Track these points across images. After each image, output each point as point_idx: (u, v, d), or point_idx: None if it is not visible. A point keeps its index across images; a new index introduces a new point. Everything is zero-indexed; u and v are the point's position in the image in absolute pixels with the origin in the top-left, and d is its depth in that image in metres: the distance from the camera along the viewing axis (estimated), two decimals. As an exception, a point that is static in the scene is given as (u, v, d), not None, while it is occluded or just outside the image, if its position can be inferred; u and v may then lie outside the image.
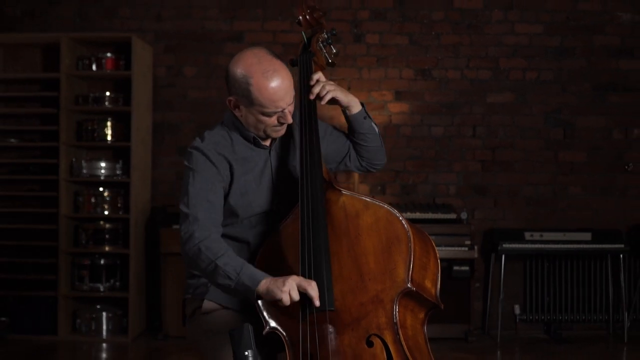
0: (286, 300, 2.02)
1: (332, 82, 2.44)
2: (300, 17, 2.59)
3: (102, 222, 5.55)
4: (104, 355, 5.21)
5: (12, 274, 5.58)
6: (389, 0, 5.87)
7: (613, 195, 5.86)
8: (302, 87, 2.45)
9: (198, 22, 5.90)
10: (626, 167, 5.82)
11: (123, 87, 5.62)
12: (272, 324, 2.12)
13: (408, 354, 2.05)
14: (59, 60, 5.50)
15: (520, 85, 5.86)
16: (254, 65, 2.22)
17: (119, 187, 5.63)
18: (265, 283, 2.07)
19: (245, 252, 2.33)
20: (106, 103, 5.58)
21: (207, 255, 2.16)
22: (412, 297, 2.14)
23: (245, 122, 2.34)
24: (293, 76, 2.30)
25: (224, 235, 2.29)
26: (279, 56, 2.30)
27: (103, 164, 5.57)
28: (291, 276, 2.06)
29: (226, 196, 2.33)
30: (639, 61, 5.86)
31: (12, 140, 5.76)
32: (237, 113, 2.34)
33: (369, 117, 2.53)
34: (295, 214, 2.26)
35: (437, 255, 2.27)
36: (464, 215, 5.45)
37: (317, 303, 2.04)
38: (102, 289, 5.46)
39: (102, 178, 5.55)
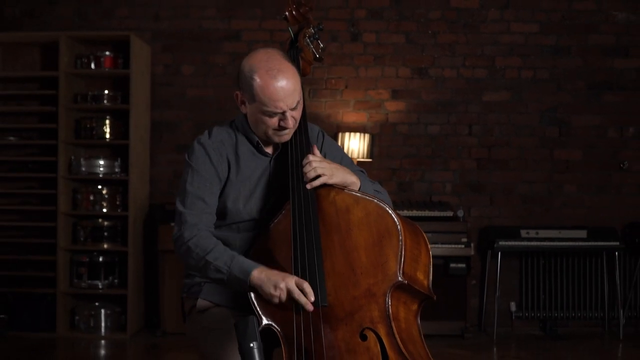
0: (276, 301, 2.08)
1: (326, 162, 2.33)
2: (287, 13, 2.55)
3: (100, 220, 5.57)
4: (102, 352, 5.23)
5: (11, 271, 5.61)
6: (386, -1, 5.92)
7: (608, 193, 5.89)
8: None
9: (196, 21, 5.93)
10: (621, 165, 5.85)
11: (121, 86, 5.64)
12: (267, 320, 2.14)
13: (401, 346, 2.07)
14: (58, 58, 5.53)
15: (516, 83, 5.89)
16: (261, 62, 2.23)
17: (118, 184, 5.65)
18: (258, 276, 2.11)
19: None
20: (105, 101, 5.60)
21: (197, 252, 2.20)
22: (404, 289, 2.16)
23: (249, 121, 2.35)
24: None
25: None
26: (292, 60, 2.31)
27: (101, 162, 5.59)
28: (284, 279, 2.08)
29: (219, 195, 2.35)
30: (633, 60, 5.89)
31: (11, 138, 5.79)
32: (243, 110, 2.35)
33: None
34: (286, 210, 2.27)
35: (429, 246, 2.28)
36: (460, 213, 5.48)
37: (310, 309, 2.07)
38: (100, 286, 5.48)
39: (100, 176, 5.58)
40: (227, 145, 2.38)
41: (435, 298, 2.24)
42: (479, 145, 5.90)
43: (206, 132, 2.40)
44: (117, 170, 5.62)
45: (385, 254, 2.15)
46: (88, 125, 5.62)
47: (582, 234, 5.58)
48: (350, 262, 2.16)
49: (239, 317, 2.05)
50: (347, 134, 5.62)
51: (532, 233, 5.57)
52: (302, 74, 2.51)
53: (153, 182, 5.91)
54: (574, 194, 5.89)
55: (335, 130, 5.76)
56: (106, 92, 5.61)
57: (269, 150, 2.41)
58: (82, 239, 5.55)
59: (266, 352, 2.28)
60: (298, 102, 2.27)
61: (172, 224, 5.30)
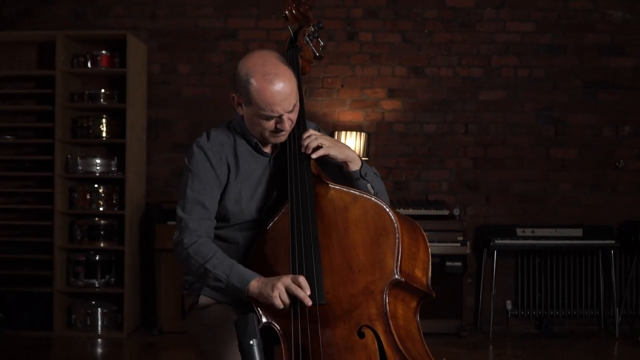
0: (278, 304, 2.07)
1: (327, 137, 2.37)
2: (287, 12, 2.55)
3: (97, 219, 5.57)
4: (99, 350, 5.23)
5: (8, 270, 5.61)
6: (382, -2, 5.93)
7: (604, 192, 5.91)
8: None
9: (192, 20, 5.93)
10: (617, 164, 5.87)
11: (118, 85, 5.64)
12: (267, 318, 2.15)
13: (399, 343, 2.08)
14: (55, 57, 5.52)
15: (512, 82, 5.91)
16: (257, 66, 2.23)
17: (114, 183, 5.66)
18: (256, 285, 2.12)
19: (235, 252, 2.35)
20: (101, 100, 5.60)
21: (196, 260, 2.22)
22: (402, 287, 2.16)
23: (246, 123, 2.36)
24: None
25: (214, 236, 2.34)
26: (289, 63, 2.30)
27: (98, 161, 5.59)
28: (280, 279, 2.09)
29: (219, 200, 2.36)
30: (629, 59, 5.91)
31: (8, 137, 5.78)
32: (239, 111, 2.35)
33: (364, 178, 2.39)
34: (285, 209, 2.28)
35: (427, 244, 2.28)
36: (456, 212, 5.49)
37: (309, 303, 2.07)
38: (97, 285, 5.48)
39: (97, 174, 5.58)
40: (226, 147, 2.38)
41: (434, 295, 2.25)
42: (475, 144, 5.91)
43: (204, 134, 2.41)
44: (113, 169, 5.63)
45: (383, 252, 2.16)
46: (85, 124, 5.62)
47: (578, 232, 5.59)
48: (348, 260, 2.17)
49: (240, 314, 2.06)
50: (343, 132, 5.63)
51: (528, 232, 5.58)
52: (302, 72, 2.51)
53: (149, 180, 5.91)
54: (569, 193, 5.91)
55: (331, 129, 5.77)
56: (103, 91, 5.61)
57: (268, 150, 2.42)
58: (78, 237, 5.55)
59: (267, 349, 2.30)
60: (294, 104, 2.27)
61: (169, 223, 5.41)
